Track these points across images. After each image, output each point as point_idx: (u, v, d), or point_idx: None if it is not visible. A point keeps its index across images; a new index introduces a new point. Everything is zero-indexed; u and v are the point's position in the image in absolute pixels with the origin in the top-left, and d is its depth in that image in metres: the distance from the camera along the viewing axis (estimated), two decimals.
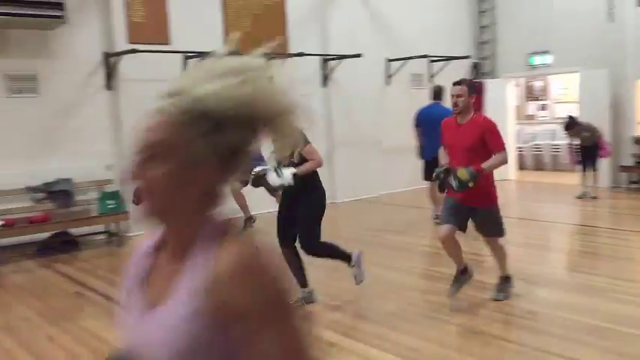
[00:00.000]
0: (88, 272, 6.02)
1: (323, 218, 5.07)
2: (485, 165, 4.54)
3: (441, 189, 4.86)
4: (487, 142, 4.57)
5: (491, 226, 4.87)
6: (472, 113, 4.69)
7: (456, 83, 4.73)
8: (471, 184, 4.44)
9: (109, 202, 8.35)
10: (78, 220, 7.99)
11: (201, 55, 8.98)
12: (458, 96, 4.65)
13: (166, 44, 8.92)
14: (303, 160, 4.86)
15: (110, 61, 8.57)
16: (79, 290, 5.64)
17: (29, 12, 7.29)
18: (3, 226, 7.35)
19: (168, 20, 9.03)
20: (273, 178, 4.84)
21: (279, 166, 4.87)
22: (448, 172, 4.68)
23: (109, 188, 8.47)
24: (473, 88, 4.70)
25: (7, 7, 7.14)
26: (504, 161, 4.68)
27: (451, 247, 4.86)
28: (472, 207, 4.72)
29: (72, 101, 8.30)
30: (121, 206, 8.42)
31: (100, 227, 8.46)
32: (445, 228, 4.78)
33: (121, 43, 8.54)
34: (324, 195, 5.15)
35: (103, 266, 7.06)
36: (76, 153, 8.03)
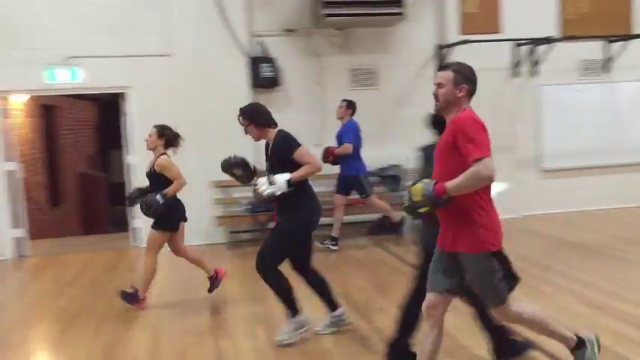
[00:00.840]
0: (409, 251, 6.41)
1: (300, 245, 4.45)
2: (451, 184, 3.02)
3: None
4: (460, 147, 3.06)
5: (479, 288, 3.21)
6: (461, 110, 3.19)
7: (440, 67, 3.40)
8: (422, 210, 3.07)
9: None
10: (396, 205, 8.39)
11: (533, 41, 8.69)
12: (439, 85, 3.22)
13: (497, 33, 8.89)
14: (296, 165, 4.27)
15: (442, 53, 8.90)
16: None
17: (372, 11, 8.08)
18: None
19: (501, 8, 8.96)
20: (264, 186, 4.23)
21: (271, 172, 4.30)
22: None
23: None
24: (463, 76, 3.21)
25: (353, 8, 8.04)
26: (483, 177, 2.98)
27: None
28: (453, 255, 3.20)
29: (404, 92, 8.87)
30: None
31: None
32: (428, 297, 3.32)
33: (453, 35, 8.83)
34: (308, 218, 4.42)
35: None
36: (406, 140, 8.50)
